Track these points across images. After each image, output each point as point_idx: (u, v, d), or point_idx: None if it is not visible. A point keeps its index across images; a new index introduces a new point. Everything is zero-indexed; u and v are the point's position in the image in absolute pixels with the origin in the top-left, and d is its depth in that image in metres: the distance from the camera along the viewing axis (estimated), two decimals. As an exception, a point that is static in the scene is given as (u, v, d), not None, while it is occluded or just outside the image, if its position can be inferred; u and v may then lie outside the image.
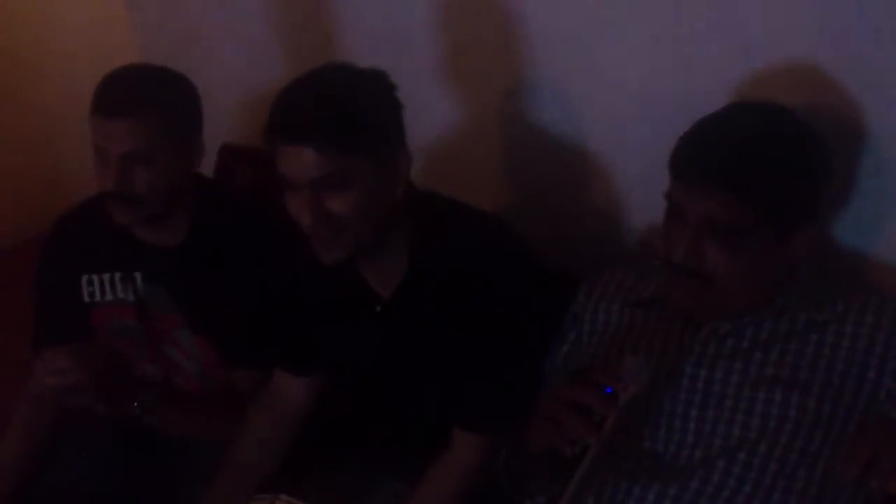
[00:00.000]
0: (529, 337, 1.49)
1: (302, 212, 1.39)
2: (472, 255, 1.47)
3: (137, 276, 1.75)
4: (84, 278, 1.77)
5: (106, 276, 1.76)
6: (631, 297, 1.45)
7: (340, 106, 1.38)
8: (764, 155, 1.25)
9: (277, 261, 1.66)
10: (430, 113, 1.83)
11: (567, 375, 1.46)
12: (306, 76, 1.44)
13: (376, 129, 1.42)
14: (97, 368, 1.52)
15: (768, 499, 1.27)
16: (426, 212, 1.51)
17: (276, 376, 1.69)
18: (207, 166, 2.09)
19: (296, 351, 1.67)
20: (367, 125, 1.40)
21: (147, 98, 1.61)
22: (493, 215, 1.54)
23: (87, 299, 1.77)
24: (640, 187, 1.67)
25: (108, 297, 1.76)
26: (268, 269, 1.68)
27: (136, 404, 1.59)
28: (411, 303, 1.51)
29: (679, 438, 1.33)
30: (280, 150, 1.39)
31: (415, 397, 1.57)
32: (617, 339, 1.43)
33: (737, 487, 1.28)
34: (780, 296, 1.33)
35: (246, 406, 1.71)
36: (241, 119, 2.34)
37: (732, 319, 1.34)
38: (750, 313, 1.33)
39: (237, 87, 2.33)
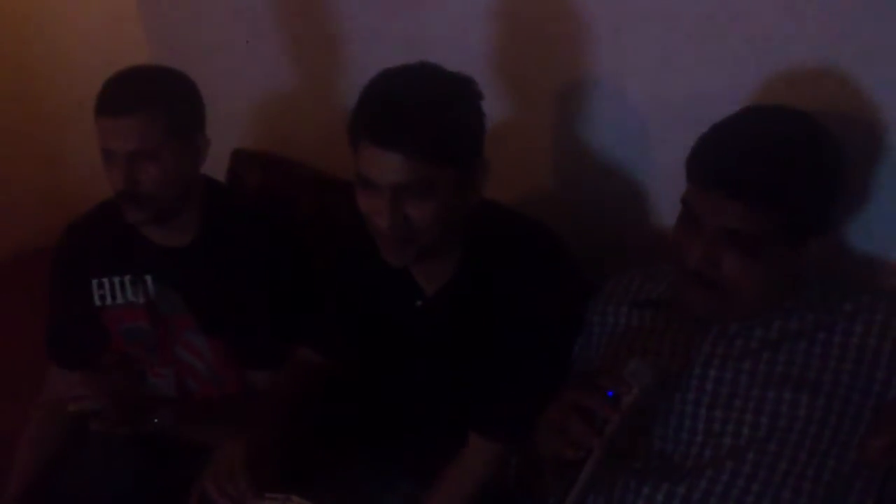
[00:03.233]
0: (561, 354, 1.50)
1: (379, 214, 1.38)
2: (521, 267, 1.47)
3: (148, 278, 1.76)
4: (95, 282, 1.78)
5: (116, 279, 1.77)
6: (639, 298, 1.46)
7: (436, 116, 1.35)
8: (783, 163, 1.24)
9: (318, 249, 1.69)
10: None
11: (573, 379, 1.47)
12: (398, 77, 1.40)
13: (466, 142, 1.40)
14: (114, 393, 1.54)
15: (777, 498, 1.27)
16: (485, 218, 1.50)
17: (302, 350, 1.70)
18: (220, 171, 2.11)
19: (323, 333, 1.68)
20: (459, 137, 1.38)
21: (149, 95, 1.63)
22: (549, 229, 1.53)
23: (98, 303, 1.78)
24: (659, 187, 1.68)
25: (119, 299, 1.77)
26: (301, 259, 1.72)
27: (155, 420, 1.60)
28: (453, 303, 1.52)
29: (688, 438, 1.33)
30: (366, 150, 1.36)
31: (435, 398, 1.58)
32: (626, 340, 1.43)
33: (746, 487, 1.28)
34: (789, 297, 1.33)
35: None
36: (253, 124, 2.36)
37: (742, 320, 1.34)
38: (759, 315, 1.33)
39: (249, 93, 2.34)
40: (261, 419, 1.60)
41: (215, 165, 1.87)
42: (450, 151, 1.36)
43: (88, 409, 1.53)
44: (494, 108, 1.82)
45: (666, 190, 1.62)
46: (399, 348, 1.60)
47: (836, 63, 1.38)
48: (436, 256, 1.48)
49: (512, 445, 1.49)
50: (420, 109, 1.35)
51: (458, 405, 1.53)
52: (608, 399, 1.22)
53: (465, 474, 1.53)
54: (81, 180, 2.49)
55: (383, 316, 1.60)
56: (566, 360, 1.50)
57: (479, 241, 1.49)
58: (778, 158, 1.24)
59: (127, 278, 1.77)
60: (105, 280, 1.78)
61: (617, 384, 1.23)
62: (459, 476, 1.53)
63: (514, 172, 1.85)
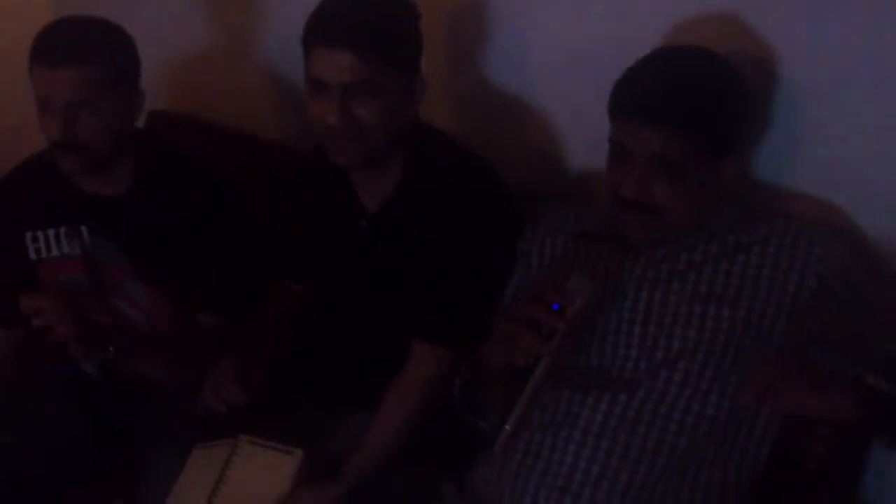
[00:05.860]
0: (493, 265, 1.60)
1: (329, 113, 1.48)
2: (456, 182, 1.58)
3: (83, 229, 1.77)
4: (28, 235, 1.78)
5: (51, 232, 1.78)
6: (576, 230, 1.57)
7: (380, 17, 1.49)
8: (700, 91, 1.38)
9: (265, 181, 1.77)
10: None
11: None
12: None
13: (408, 46, 1.53)
14: (76, 310, 1.54)
15: (706, 401, 1.41)
16: (424, 138, 1.62)
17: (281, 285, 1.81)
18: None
19: (293, 261, 1.78)
20: (402, 40, 1.51)
21: (91, 46, 1.64)
22: (482, 157, 1.64)
23: (33, 256, 1.78)
24: (577, 131, 1.79)
25: (55, 252, 1.78)
26: (238, 200, 1.79)
27: (111, 349, 1.61)
28: (394, 218, 1.61)
29: (625, 353, 1.46)
30: (317, 53, 1.48)
31: (383, 320, 1.66)
32: (564, 267, 1.54)
33: (678, 392, 1.42)
34: (711, 221, 1.46)
35: (214, 346, 1.74)
36: (167, 85, 2.34)
37: (669, 245, 1.47)
38: (685, 239, 1.46)
39: (163, 54, 2.31)
40: (248, 340, 1.71)
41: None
42: (395, 52, 1.50)
43: (48, 324, 1.52)
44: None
45: (581, 129, 1.75)
46: (347, 273, 1.68)
47: (732, 9, 1.52)
48: (379, 167, 1.59)
49: (452, 350, 1.57)
50: (367, 11, 1.49)
51: (404, 327, 1.61)
52: (554, 311, 1.33)
53: (410, 384, 1.59)
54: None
55: (331, 239, 1.69)
56: (503, 273, 1.60)
57: (418, 158, 1.60)
58: (692, 86, 1.39)
59: (62, 230, 1.77)
60: (40, 233, 1.78)
61: (562, 297, 1.34)
62: (404, 386, 1.59)
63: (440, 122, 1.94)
